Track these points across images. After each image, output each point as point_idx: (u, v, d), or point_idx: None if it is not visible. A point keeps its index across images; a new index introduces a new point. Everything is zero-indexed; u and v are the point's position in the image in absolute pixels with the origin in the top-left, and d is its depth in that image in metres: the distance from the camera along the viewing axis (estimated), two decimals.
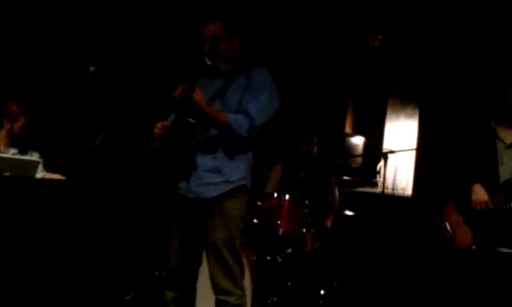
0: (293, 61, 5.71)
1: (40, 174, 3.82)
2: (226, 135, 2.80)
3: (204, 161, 2.84)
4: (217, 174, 2.82)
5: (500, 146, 3.45)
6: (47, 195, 3.54)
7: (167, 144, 2.81)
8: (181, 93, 2.72)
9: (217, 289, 2.83)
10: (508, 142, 3.44)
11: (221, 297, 2.82)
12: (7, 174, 3.34)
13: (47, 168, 3.98)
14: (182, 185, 2.88)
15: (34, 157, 3.96)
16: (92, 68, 3.32)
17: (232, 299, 2.80)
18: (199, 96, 2.71)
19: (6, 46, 4.78)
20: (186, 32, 5.07)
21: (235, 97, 2.87)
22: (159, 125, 2.85)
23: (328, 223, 4.81)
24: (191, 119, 2.72)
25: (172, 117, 3.00)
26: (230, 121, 2.75)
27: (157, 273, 4.50)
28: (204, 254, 2.98)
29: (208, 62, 2.78)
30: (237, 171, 2.85)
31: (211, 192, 2.82)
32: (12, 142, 3.93)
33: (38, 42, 4.95)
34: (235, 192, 2.85)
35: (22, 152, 3.94)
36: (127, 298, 4.35)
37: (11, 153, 3.88)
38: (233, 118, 2.77)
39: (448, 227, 3.49)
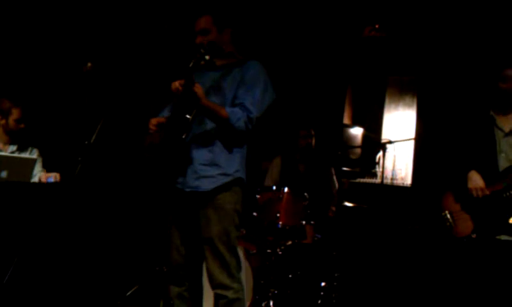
0: (291, 52, 5.69)
1: (38, 173, 3.79)
2: (225, 128, 2.81)
3: (200, 154, 2.85)
4: (213, 167, 2.84)
5: (498, 134, 3.43)
6: (46, 196, 3.56)
7: (162, 139, 2.81)
8: (181, 87, 2.71)
9: (213, 283, 2.84)
10: (507, 130, 3.43)
11: (218, 291, 2.83)
12: (4, 174, 3.34)
13: (45, 165, 3.95)
14: (179, 179, 2.89)
15: (34, 154, 3.93)
16: (89, 64, 3.31)
17: (229, 293, 2.80)
18: (200, 89, 2.72)
19: (2, 42, 4.76)
20: (180, 26, 5.06)
21: (230, 91, 2.89)
22: (153, 120, 2.86)
23: (331, 213, 4.82)
24: (188, 116, 2.72)
25: (165, 113, 3.00)
26: (228, 115, 2.77)
27: (157, 268, 4.50)
28: None
29: (206, 57, 2.79)
30: (233, 163, 2.87)
31: (208, 185, 2.83)
32: (11, 138, 3.87)
33: (34, 38, 4.93)
34: (231, 185, 2.86)
35: (21, 149, 3.91)
36: (129, 293, 4.36)
37: (10, 151, 3.84)
38: (231, 111, 2.79)
39: (448, 215, 3.49)
